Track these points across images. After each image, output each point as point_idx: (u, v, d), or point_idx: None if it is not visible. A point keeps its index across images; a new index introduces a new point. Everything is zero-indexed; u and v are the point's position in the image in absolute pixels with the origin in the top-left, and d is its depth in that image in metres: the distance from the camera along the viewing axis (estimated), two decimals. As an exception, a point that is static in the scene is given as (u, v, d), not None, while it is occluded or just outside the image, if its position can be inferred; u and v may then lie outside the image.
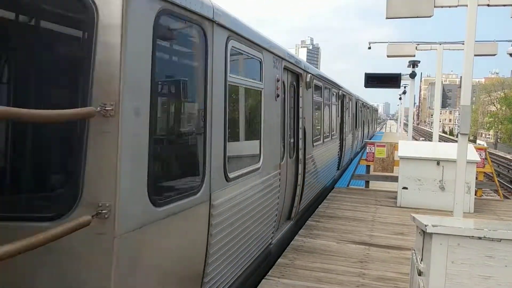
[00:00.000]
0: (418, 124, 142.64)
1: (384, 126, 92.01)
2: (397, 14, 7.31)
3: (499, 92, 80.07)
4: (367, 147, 13.40)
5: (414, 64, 19.13)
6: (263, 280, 5.80)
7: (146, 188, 2.96)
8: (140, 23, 2.93)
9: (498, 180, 14.64)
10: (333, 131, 12.65)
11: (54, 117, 2.41)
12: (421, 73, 42.81)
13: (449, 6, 7.07)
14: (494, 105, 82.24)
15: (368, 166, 13.47)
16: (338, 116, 13.90)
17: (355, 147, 21.01)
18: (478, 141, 72.35)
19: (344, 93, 15.68)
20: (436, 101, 14.71)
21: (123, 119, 2.69)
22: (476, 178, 11.33)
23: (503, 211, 10.56)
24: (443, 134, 74.74)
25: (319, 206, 10.27)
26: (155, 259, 3.20)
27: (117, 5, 2.70)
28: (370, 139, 28.91)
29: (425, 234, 3.94)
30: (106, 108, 2.64)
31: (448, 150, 10.50)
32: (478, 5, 6.79)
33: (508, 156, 33.83)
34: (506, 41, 15.62)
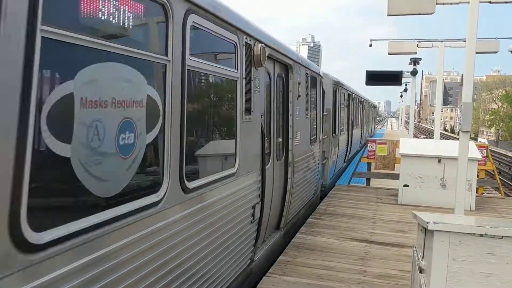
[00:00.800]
0: (419, 122, 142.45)
1: (385, 124, 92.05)
2: (398, 11, 7.28)
3: (500, 90, 79.88)
4: (368, 145, 13.40)
5: (415, 61, 19.13)
6: (264, 277, 5.80)
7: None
8: None
9: (499, 178, 14.62)
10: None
11: None
12: (422, 70, 42.66)
13: (451, 3, 7.04)
14: (496, 103, 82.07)
15: (369, 164, 13.47)
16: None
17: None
18: (479, 139, 72.33)
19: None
20: (437, 98, 14.72)
21: None
22: (478, 175, 11.32)
23: (504, 209, 10.56)
24: (444, 132, 74.60)
25: (320, 204, 10.26)
26: None
27: None
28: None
29: (426, 231, 3.94)
30: None
31: (449, 148, 10.48)
32: (480, 1, 6.76)
33: (510, 154, 33.76)
34: (508, 38, 15.61)
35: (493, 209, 10.49)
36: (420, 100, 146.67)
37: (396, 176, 11.42)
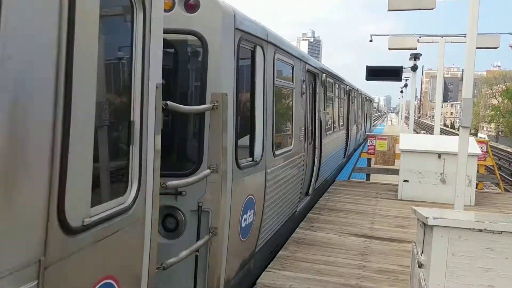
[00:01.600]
0: (419, 117, 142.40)
1: (386, 119, 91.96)
2: (399, 6, 7.28)
3: (501, 85, 79.76)
4: (369, 140, 13.41)
5: (415, 57, 19.05)
6: (263, 272, 5.82)
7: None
8: None
9: (499, 173, 14.63)
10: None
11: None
12: (423, 66, 42.54)
13: (452, -2, 7.03)
14: (496, 98, 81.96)
15: (369, 159, 13.48)
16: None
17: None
18: (479, 134, 72.21)
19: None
20: (437, 94, 14.68)
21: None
22: (477, 171, 11.33)
23: (504, 204, 10.57)
24: (445, 127, 74.63)
25: (320, 199, 10.28)
26: None
27: None
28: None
29: (426, 226, 3.95)
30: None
31: (449, 143, 10.48)
32: (481, -3, 6.74)
33: (509, 149, 33.81)
34: (509, 33, 15.55)
35: (493, 204, 10.50)
36: (421, 96, 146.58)
37: (396, 172, 11.43)
